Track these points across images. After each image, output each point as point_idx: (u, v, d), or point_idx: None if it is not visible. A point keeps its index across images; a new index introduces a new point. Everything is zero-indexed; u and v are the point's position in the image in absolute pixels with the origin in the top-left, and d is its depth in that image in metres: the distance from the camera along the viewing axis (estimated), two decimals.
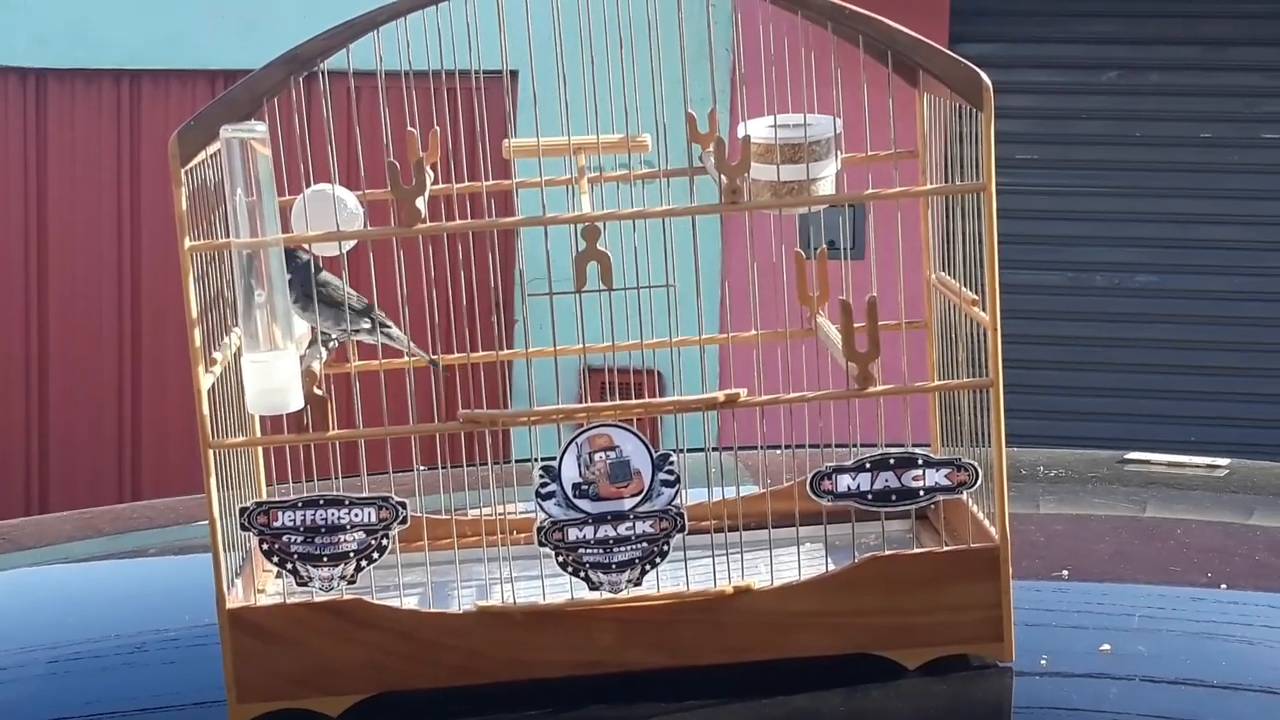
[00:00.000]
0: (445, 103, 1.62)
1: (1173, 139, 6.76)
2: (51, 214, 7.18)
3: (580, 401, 1.51)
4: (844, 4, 1.50)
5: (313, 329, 1.66)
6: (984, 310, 1.53)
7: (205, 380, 1.48)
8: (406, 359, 1.72)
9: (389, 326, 1.76)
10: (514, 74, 1.44)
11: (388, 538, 1.50)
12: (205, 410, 1.47)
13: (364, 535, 1.50)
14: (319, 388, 1.53)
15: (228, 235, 1.49)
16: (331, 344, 1.71)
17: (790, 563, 1.56)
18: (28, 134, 7.17)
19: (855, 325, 1.50)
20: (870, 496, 1.52)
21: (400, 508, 1.50)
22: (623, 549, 1.50)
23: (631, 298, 1.56)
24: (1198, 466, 2.34)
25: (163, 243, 6.87)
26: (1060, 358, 6.77)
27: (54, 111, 7.17)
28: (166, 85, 7.08)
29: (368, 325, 1.73)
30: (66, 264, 7.18)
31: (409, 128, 1.55)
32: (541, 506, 1.50)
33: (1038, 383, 6.60)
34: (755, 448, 1.81)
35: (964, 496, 1.57)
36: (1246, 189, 6.71)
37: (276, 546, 1.50)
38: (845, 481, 1.52)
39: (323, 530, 1.49)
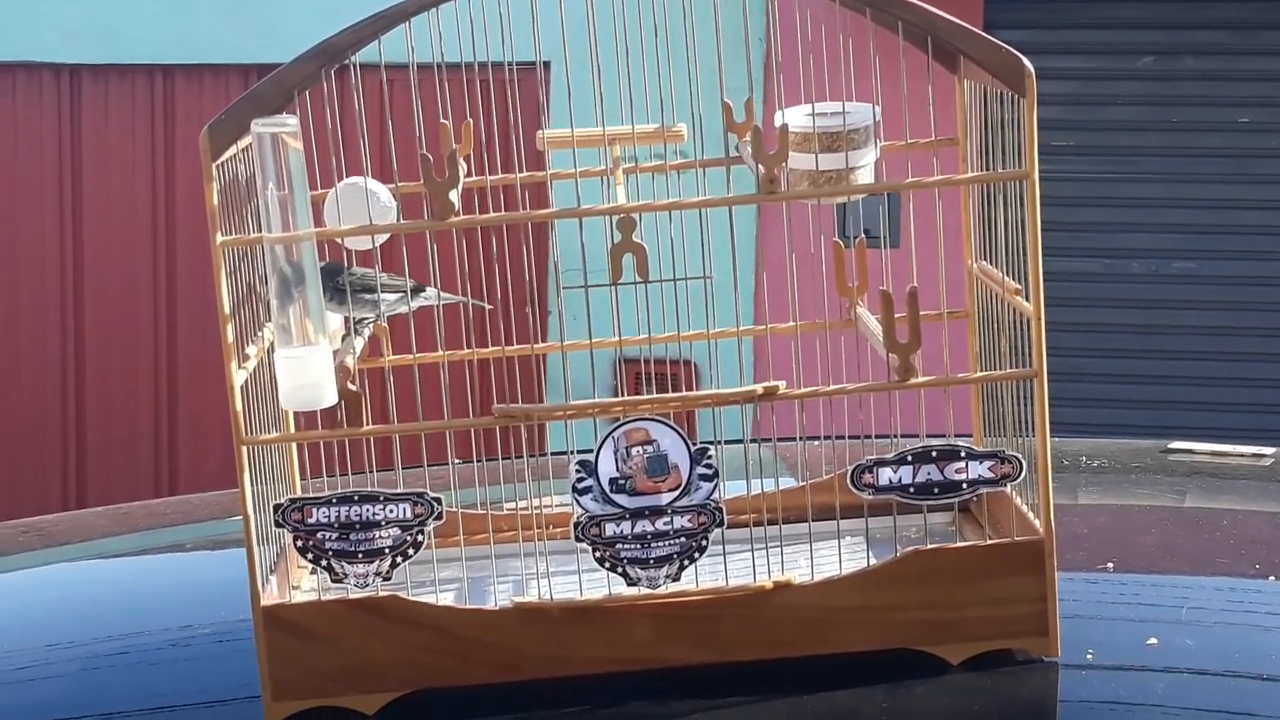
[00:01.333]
0: (478, 94, 1.60)
1: (1209, 124, 6.71)
2: (86, 209, 7.20)
3: (616, 394, 1.49)
4: None
5: (346, 321, 1.65)
6: (1027, 300, 1.50)
7: (238, 376, 1.47)
8: (440, 353, 1.71)
9: (423, 288, 1.74)
10: (547, 65, 1.43)
11: (423, 533, 1.49)
12: (239, 406, 1.46)
13: (399, 531, 1.48)
14: (353, 383, 1.52)
15: (260, 230, 1.48)
16: (366, 330, 1.70)
17: (831, 557, 1.55)
18: (62, 130, 7.19)
19: (896, 315, 1.48)
20: (912, 489, 1.50)
21: (435, 503, 1.49)
22: (660, 544, 1.48)
23: (668, 289, 1.54)
24: (1242, 456, 2.31)
25: (198, 237, 6.87)
26: (1097, 345, 6.73)
27: (88, 107, 7.18)
28: (200, 80, 7.09)
29: (397, 295, 1.72)
30: (102, 260, 7.20)
31: (442, 120, 1.54)
32: (578, 501, 1.49)
33: (1073, 370, 6.56)
34: (794, 440, 1.79)
35: (1007, 489, 1.55)
36: None
37: (311, 543, 1.48)
38: (887, 474, 1.49)
39: (357, 526, 1.48)
